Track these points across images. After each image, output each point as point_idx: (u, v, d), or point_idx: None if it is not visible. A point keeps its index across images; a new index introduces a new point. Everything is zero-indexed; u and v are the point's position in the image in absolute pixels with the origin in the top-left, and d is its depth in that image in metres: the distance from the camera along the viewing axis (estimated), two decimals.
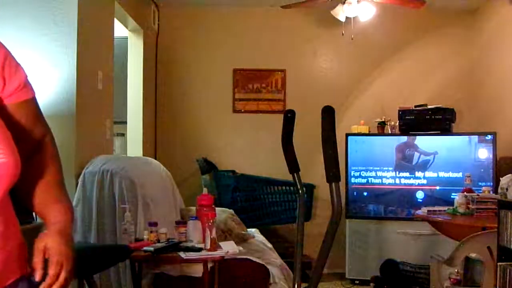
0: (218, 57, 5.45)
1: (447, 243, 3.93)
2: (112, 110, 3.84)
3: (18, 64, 1.04)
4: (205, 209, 2.94)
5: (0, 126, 0.95)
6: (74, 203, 3.07)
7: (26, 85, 1.05)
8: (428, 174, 4.81)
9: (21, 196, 1.14)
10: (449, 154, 4.79)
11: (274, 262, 3.43)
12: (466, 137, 4.79)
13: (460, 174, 4.64)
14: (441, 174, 4.77)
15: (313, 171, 4.66)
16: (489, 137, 4.65)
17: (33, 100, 1.08)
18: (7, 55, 1.02)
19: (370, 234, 4.87)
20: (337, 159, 1.69)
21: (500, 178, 3.69)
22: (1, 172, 0.94)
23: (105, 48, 3.73)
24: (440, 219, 3.79)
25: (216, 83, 5.46)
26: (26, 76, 1.06)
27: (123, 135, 4.99)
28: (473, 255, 3.67)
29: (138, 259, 2.81)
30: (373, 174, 4.92)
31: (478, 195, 3.82)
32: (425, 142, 4.86)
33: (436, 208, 3.97)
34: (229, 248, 2.82)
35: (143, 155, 4.74)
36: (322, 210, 5.17)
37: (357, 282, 4.86)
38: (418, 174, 4.84)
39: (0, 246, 0.99)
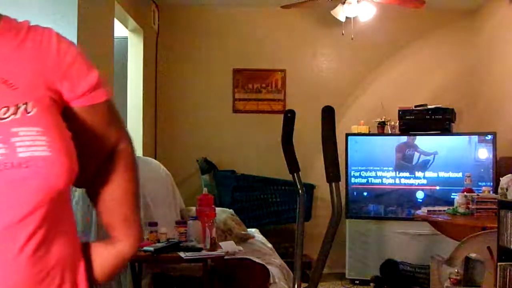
0: (218, 57, 5.45)
1: (447, 243, 3.93)
2: None
3: (90, 66, 0.95)
4: (205, 209, 2.95)
5: (57, 123, 0.85)
6: (74, 202, 3.07)
7: (98, 88, 0.95)
8: (428, 174, 4.81)
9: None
10: (449, 154, 4.79)
11: (274, 262, 3.43)
12: (466, 137, 4.79)
13: (460, 174, 4.64)
14: (441, 174, 4.77)
15: (313, 171, 4.67)
16: (489, 137, 4.65)
17: (107, 103, 0.97)
18: (78, 55, 0.94)
19: (370, 234, 4.87)
20: (337, 159, 1.69)
21: (500, 178, 3.69)
22: (39, 167, 0.78)
23: (105, 48, 3.73)
24: (440, 219, 3.79)
25: (216, 83, 5.46)
26: (99, 78, 0.96)
27: None
28: (473, 255, 3.67)
29: (138, 259, 2.81)
30: (373, 174, 4.92)
31: (478, 195, 3.82)
32: (425, 142, 4.86)
33: (436, 208, 3.98)
34: (229, 248, 2.83)
35: (143, 155, 4.73)
36: (322, 210, 5.17)
37: (357, 282, 4.86)
38: (418, 174, 4.84)
39: (34, 272, 0.81)
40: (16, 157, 0.77)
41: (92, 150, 0.98)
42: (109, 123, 1.00)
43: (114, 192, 1.03)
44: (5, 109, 0.80)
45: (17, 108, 0.81)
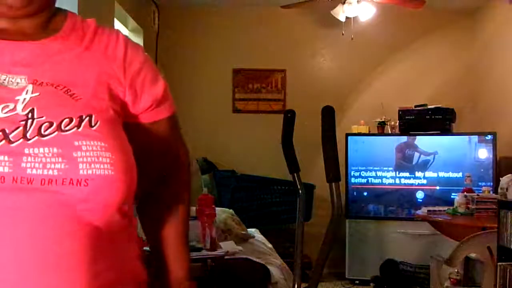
0: (218, 57, 5.45)
1: (447, 243, 3.93)
2: None
3: (156, 75, 0.89)
4: (205, 209, 2.94)
5: (121, 138, 0.80)
6: None
7: (163, 101, 0.89)
8: (428, 174, 4.81)
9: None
10: (449, 154, 4.79)
11: (274, 262, 3.42)
12: (466, 137, 4.79)
13: (460, 174, 4.64)
14: (441, 174, 4.77)
15: (313, 171, 4.66)
16: (489, 137, 4.65)
17: (171, 118, 0.92)
18: (145, 62, 0.88)
19: (370, 234, 4.87)
20: (337, 159, 1.69)
21: (500, 178, 3.69)
22: (100, 187, 0.73)
23: None
24: (440, 219, 3.79)
25: (216, 83, 5.46)
26: (165, 89, 0.89)
27: None
28: (473, 255, 3.67)
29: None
30: (373, 174, 4.92)
31: (478, 195, 3.82)
32: (425, 142, 4.85)
33: (436, 208, 3.97)
34: (229, 248, 2.82)
35: None
36: (322, 210, 5.15)
37: (357, 282, 4.86)
38: (418, 174, 4.83)
39: None
40: (77, 173, 0.71)
41: (149, 165, 0.91)
42: (170, 139, 0.95)
43: (166, 227, 1.01)
44: (67, 120, 0.74)
45: (81, 120, 0.75)
